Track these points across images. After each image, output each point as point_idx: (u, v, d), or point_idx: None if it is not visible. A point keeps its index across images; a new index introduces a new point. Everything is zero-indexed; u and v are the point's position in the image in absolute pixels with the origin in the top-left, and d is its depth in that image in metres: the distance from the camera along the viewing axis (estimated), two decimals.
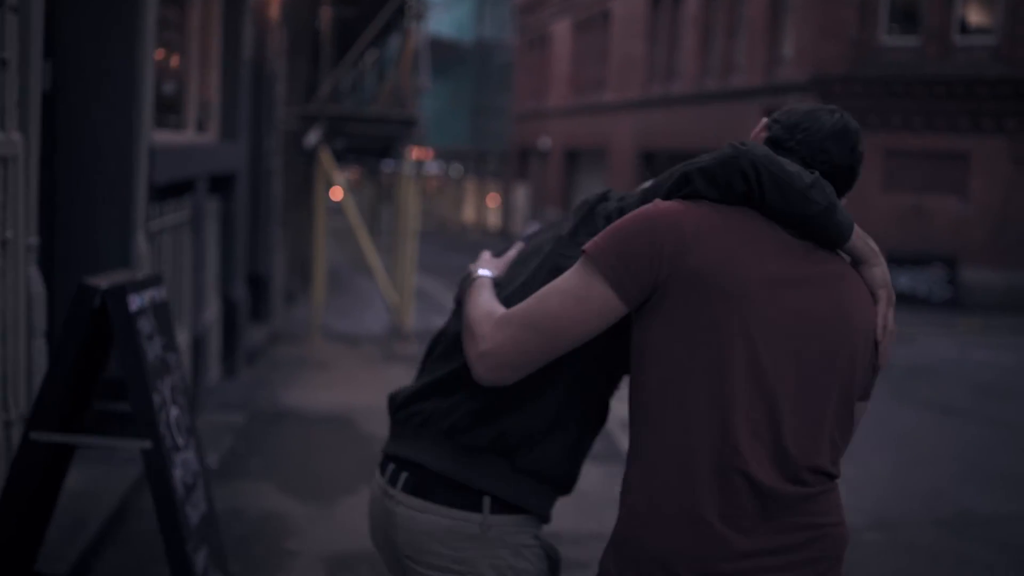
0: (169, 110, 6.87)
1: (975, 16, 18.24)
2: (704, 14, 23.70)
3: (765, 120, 1.91)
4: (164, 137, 6.03)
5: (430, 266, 18.85)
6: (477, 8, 41.56)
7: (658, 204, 1.71)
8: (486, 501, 1.89)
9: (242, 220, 8.37)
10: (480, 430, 1.90)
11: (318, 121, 10.11)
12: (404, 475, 1.96)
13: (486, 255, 2.09)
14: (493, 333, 1.73)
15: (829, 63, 18.45)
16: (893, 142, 18.12)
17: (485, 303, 1.83)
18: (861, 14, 18.22)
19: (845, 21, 18.27)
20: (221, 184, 7.94)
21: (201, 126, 7.67)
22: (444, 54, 39.45)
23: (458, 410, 1.92)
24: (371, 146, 13.70)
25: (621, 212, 1.84)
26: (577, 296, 1.68)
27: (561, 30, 33.01)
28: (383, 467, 2.04)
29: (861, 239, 1.76)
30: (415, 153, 10.76)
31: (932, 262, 17.70)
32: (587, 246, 1.70)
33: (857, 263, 1.78)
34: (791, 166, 1.71)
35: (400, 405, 2.05)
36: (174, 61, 6.85)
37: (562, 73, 32.70)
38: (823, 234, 1.72)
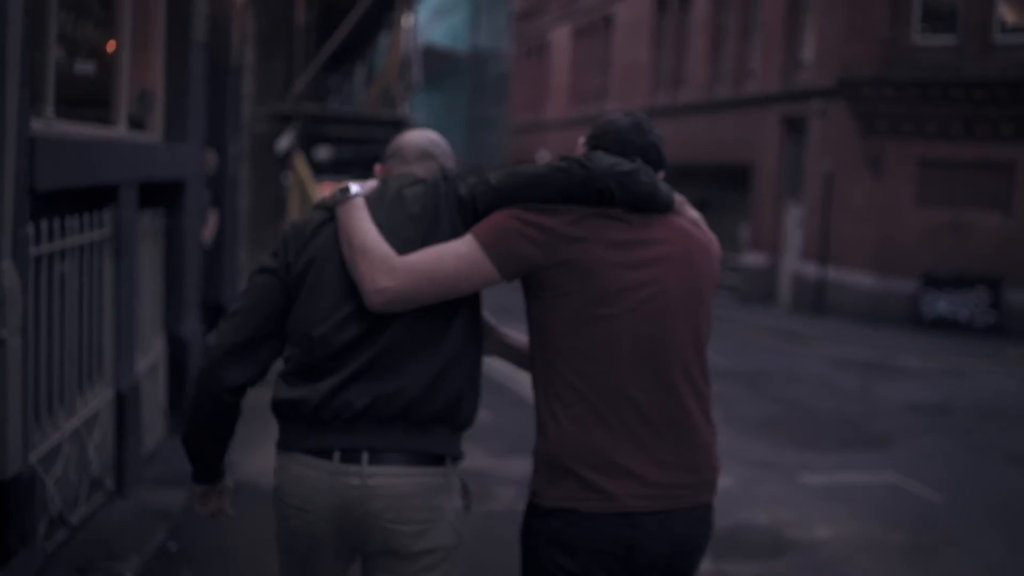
0: (89, 101, 5.33)
1: (1018, 12, 16.78)
2: (714, 17, 22.27)
3: (581, 140, 2.34)
4: (69, 130, 4.49)
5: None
6: (472, 17, 40.20)
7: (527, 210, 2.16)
8: (448, 457, 2.22)
9: (193, 238, 6.81)
10: (423, 408, 2.15)
11: (292, 122, 8.57)
12: (364, 454, 2.14)
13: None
14: (395, 274, 2.08)
15: (857, 65, 16.98)
16: (928, 151, 16.64)
17: (375, 234, 2.14)
18: (892, 11, 16.74)
19: (874, 19, 16.80)
20: (164, 194, 6.38)
21: (139, 123, 6.13)
22: (438, 64, 38.07)
23: (400, 397, 2.13)
24: (359, 157, 12.17)
25: (473, 198, 2.21)
26: (470, 262, 2.11)
27: (560, 37, 31.60)
28: (324, 455, 2.15)
29: (679, 202, 2.30)
30: None
31: (973, 284, 16.18)
32: (476, 231, 2.14)
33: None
34: (619, 164, 2.17)
35: (321, 402, 2.14)
36: (95, 37, 5.31)
37: (561, 83, 31.27)
38: (662, 205, 2.23)
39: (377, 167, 2.38)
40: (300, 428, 2.18)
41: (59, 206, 4.48)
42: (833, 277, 17.81)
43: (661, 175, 2.28)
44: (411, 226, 2.15)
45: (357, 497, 2.13)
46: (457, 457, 2.23)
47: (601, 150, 2.22)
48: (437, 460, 2.17)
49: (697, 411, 2.16)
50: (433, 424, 2.16)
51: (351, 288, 2.13)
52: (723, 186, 22.59)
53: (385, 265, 2.07)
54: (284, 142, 8.54)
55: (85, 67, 5.13)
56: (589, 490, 2.06)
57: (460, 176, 2.25)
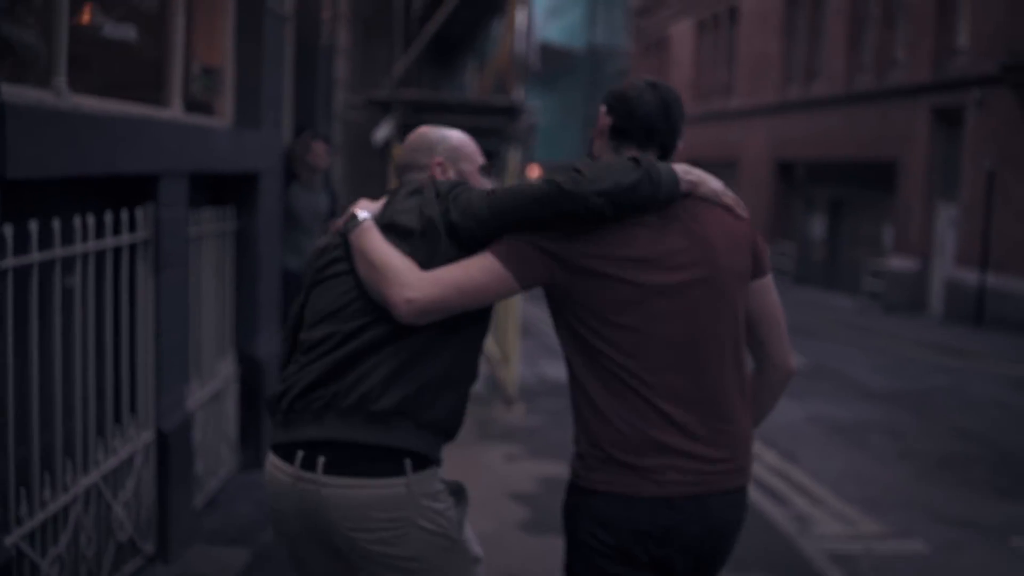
0: (134, 76, 4.35)
1: None
2: (853, 4, 20.53)
3: (603, 107, 2.24)
4: (93, 106, 3.49)
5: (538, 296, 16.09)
6: (588, 14, 39.04)
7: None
8: (407, 463, 2.12)
9: (271, 243, 5.82)
10: (387, 396, 2.11)
11: (391, 110, 7.53)
12: (321, 459, 2.11)
13: (362, 201, 2.33)
14: (424, 286, 2.06)
15: (1023, 48, 15.12)
16: None
17: (392, 251, 2.13)
18: None
19: None
20: (235, 190, 5.40)
21: (203, 106, 5.16)
22: (553, 63, 37.03)
23: (364, 383, 2.12)
24: None
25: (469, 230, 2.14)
26: (494, 275, 2.09)
27: (681, 31, 30.14)
28: (287, 456, 2.16)
29: (690, 183, 2.12)
30: (519, 169, 8.21)
31: None
32: (494, 249, 2.11)
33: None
34: (619, 175, 2.04)
35: (297, 396, 2.16)
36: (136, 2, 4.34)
37: (683, 78, 29.78)
38: (666, 201, 2.09)
39: (437, 159, 2.40)
40: (275, 423, 2.23)
41: (80, 201, 3.49)
42: (994, 285, 15.94)
43: (680, 148, 2.24)
44: (405, 245, 2.16)
45: (315, 505, 2.14)
46: (424, 458, 2.16)
47: (624, 135, 2.19)
48: (397, 469, 2.12)
49: (734, 399, 2.16)
50: (394, 417, 2.12)
51: (337, 298, 2.20)
52: (863, 184, 20.82)
53: (411, 276, 2.07)
54: (382, 132, 7.52)
55: (121, 32, 4.15)
56: (629, 474, 2.08)
57: (450, 193, 2.18)
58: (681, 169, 2.11)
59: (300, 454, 2.12)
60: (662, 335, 2.06)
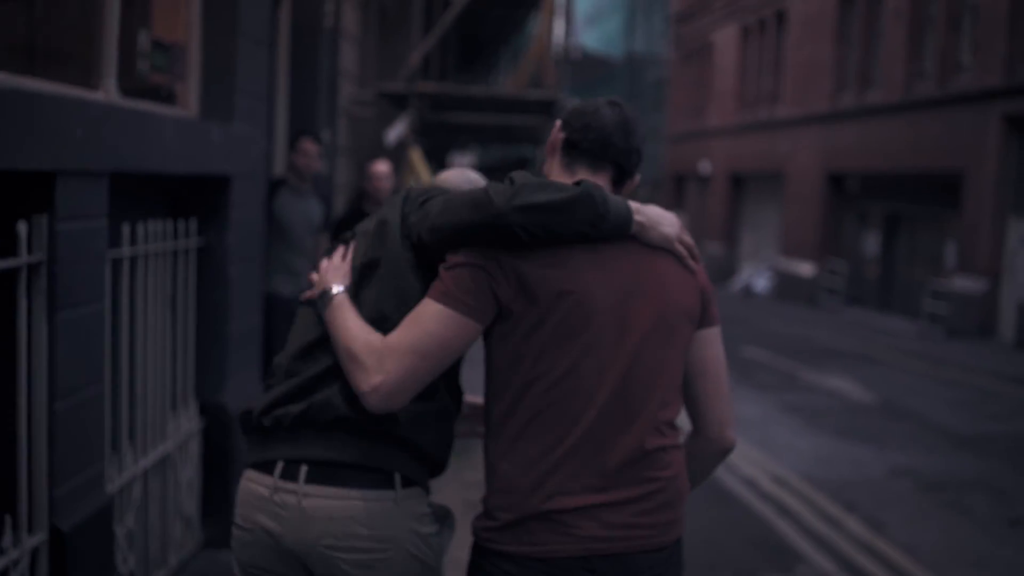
0: (51, 52, 3.26)
1: None
2: (912, 6, 19.19)
3: (559, 122, 2.12)
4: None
5: None
6: (627, 21, 37.87)
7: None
8: (397, 477, 1.98)
9: (247, 263, 4.69)
10: (365, 416, 1.95)
11: (407, 103, 6.39)
12: (303, 468, 1.96)
13: (329, 263, 2.14)
14: (383, 364, 1.88)
15: None
16: None
17: (360, 330, 1.96)
18: None
19: None
20: (200, 198, 4.29)
21: (163, 93, 4.06)
22: (591, 72, 35.90)
23: (335, 399, 1.97)
24: (507, 160, 9.97)
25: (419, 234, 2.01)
26: (449, 320, 1.88)
27: (725, 38, 28.89)
28: (264, 469, 2.00)
29: (640, 224, 1.94)
30: None
31: None
32: (436, 293, 1.91)
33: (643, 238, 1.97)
34: (551, 192, 1.83)
35: (263, 411, 2.03)
36: None
37: (726, 87, 28.54)
38: (610, 234, 1.90)
39: None
40: (252, 443, 2.08)
41: None
42: None
43: (636, 181, 2.10)
44: (366, 249, 2.09)
45: (293, 520, 1.96)
46: (411, 482, 2.00)
47: (578, 148, 2.04)
48: (385, 482, 1.96)
49: (665, 451, 1.97)
50: (375, 438, 1.97)
51: (311, 323, 2.10)
52: (923, 198, 19.45)
53: (371, 358, 1.91)
54: (395, 132, 6.39)
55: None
56: (544, 532, 1.90)
57: (419, 197, 2.06)
58: (635, 207, 1.94)
59: (280, 465, 1.99)
60: (596, 374, 1.92)
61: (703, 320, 2.04)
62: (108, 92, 3.45)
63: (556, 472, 1.89)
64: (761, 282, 25.16)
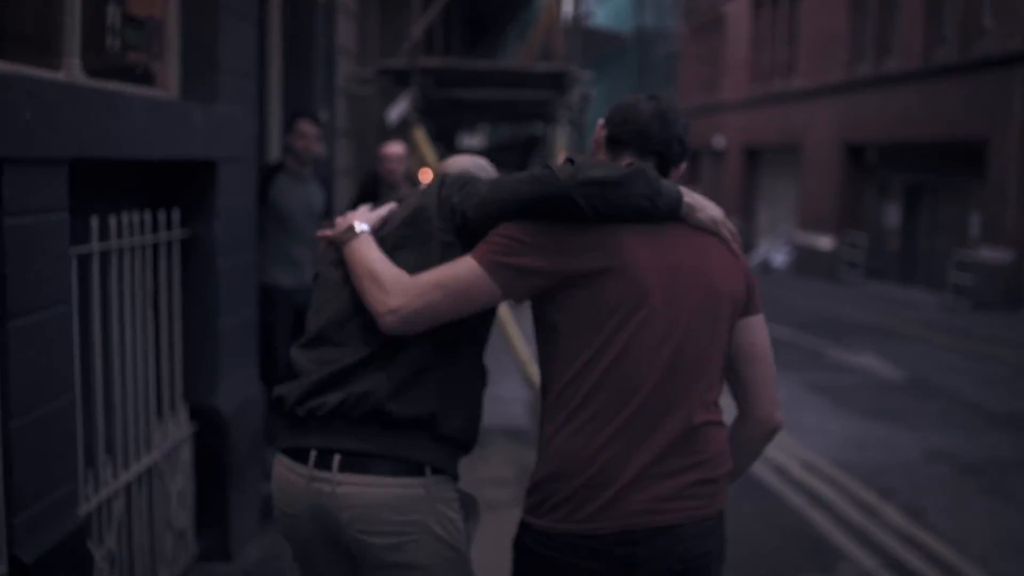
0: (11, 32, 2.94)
1: None
2: None
3: (600, 122, 2.18)
4: None
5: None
6: None
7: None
8: (428, 467, 2.04)
9: (239, 254, 4.37)
10: (401, 409, 2.01)
11: (409, 80, 6.04)
12: (337, 457, 2.02)
13: (362, 209, 2.23)
14: (406, 290, 1.98)
15: None
16: None
17: (384, 260, 2.05)
18: None
19: None
20: (184, 186, 3.97)
21: (141, 74, 3.74)
22: (600, 47, 35.34)
23: (375, 394, 2.01)
24: (516, 140, 9.63)
25: (463, 212, 2.05)
26: (476, 279, 1.97)
27: (737, 9, 28.34)
28: (298, 457, 2.06)
29: (688, 206, 2.03)
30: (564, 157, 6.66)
31: None
32: (476, 253, 1.99)
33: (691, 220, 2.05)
34: (609, 169, 1.93)
35: (298, 400, 2.07)
36: None
37: (739, 59, 28.02)
38: (664, 212, 1.99)
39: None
40: (286, 427, 2.13)
41: None
42: None
43: (682, 168, 2.17)
44: (395, 231, 2.12)
45: (328, 505, 2.04)
46: (441, 470, 2.06)
47: (620, 142, 2.13)
48: (416, 470, 2.02)
49: (711, 426, 2.03)
50: (409, 429, 2.03)
51: (338, 298, 2.13)
52: (945, 168, 18.97)
53: (396, 285, 2.00)
54: (397, 110, 6.05)
55: None
56: (593, 508, 1.93)
57: (457, 182, 2.11)
58: (683, 190, 2.02)
59: (314, 453, 2.04)
60: (648, 349, 1.95)
61: (748, 307, 2.10)
62: (71, 72, 3.12)
63: (609, 447, 1.93)
64: (779, 257, 24.73)
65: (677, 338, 1.96)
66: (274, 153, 5.88)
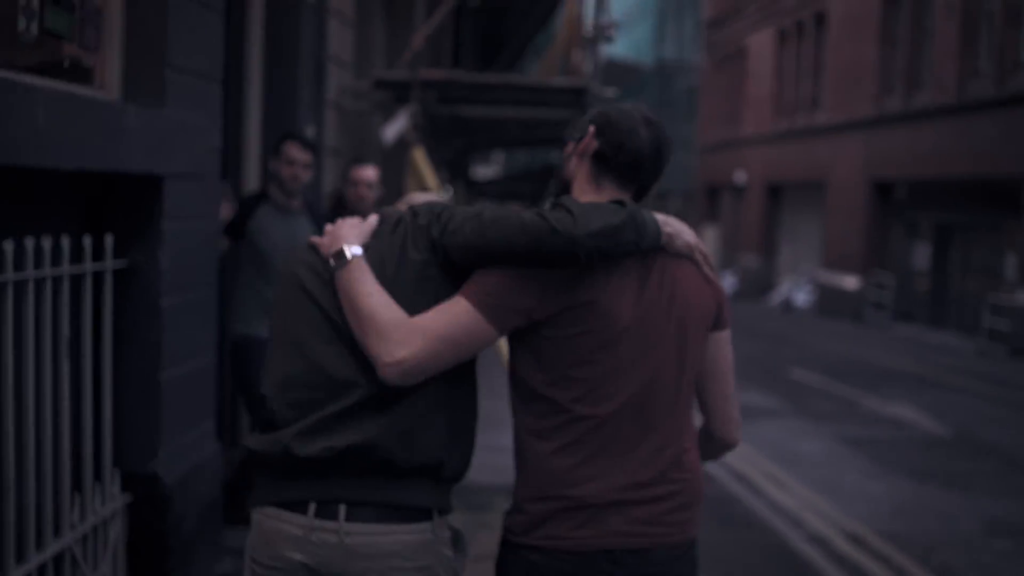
0: None
1: None
2: (965, 1, 17.97)
3: (592, 128, 2.07)
4: None
5: None
6: (656, 28, 36.80)
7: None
8: (435, 510, 1.99)
9: (190, 291, 3.64)
10: (410, 458, 1.94)
11: (408, 95, 5.35)
12: (343, 507, 1.93)
13: (350, 221, 2.10)
14: (411, 340, 1.89)
15: None
16: None
17: (384, 299, 1.94)
18: None
19: None
20: (124, 206, 3.27)
21: (79, 70, 3.05)
22: (620, 80, 34.82)
23: (381, 446, 1.92)
24: (524, 174, 8.90)
25: (444, 247, 1.98)
26: (475, 320, 1.92)
27: (760, 42, 27.78)
28: (291, 508, 1.95)
29: (668, 236, 2.02)
30: None
31: None
32: (468, 292, 1.94)
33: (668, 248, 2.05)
34: (607, 215, 1.89)
35: (286, 450, 1.94)
36: None
37: (762, 93, 27.40)
38: (647, 249, 1.98)
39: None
40: (270, 480, 1.99)
41: None
42: None
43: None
44: (378, 266, 2.01)
45: (334, 556, 1.94)
46: (445, 510, 2.03)
47: (608, 164, 2.04)
48: (424, 515, 1.97)
49: (686, 451, 2.07)
50: (414, 477, 1.96)
51: (314, 325, 1.99)
52: (979, 207, 18.20)
53: (398, 333, 1.90)
54: (394, 128, 5.34)
55: None
56: (573, 526, 1.97)
57: (431, 211, 2.02)
58: (660, 219, 2.01)
59: (313, 505, 1.93)
60: (623, 380, 1.97)
61: (716, 323, 2.10)
62: None
63: (587, 470, 1.95)
64: (801, 296, 23.95)
65: (653, 364, 1.99)
66: (251, 175, 5.16)
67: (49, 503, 2.87)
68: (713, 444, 2.20)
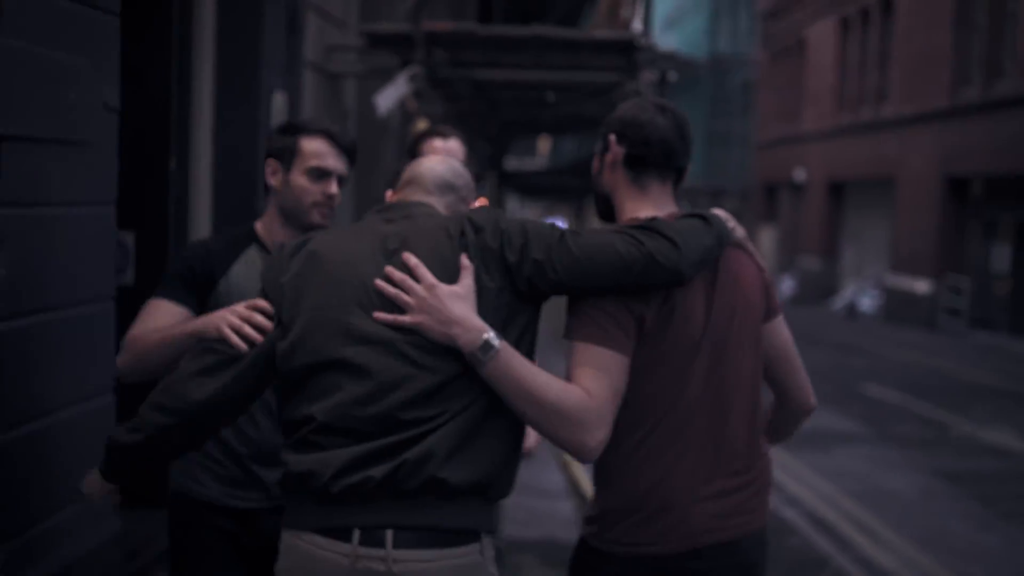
0: None
1: None
2: None
3: (611, 136, 2.09)
4: None
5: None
6: (710, 21, 35.43)
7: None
8: (483, 532, 1.96)
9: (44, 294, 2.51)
10: (459, 476, 1.88)
11: (412, 55, 4.20)
12: (390, 533, 1.87)
13: (449, 290, 1.88)
14: (604, 417, 1.88)
15: None
16: None
17: (556, 383, 1.88)
18: None
19: None
20: None
21: None
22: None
23: (424, 465, 1.85)
24: (571, 174, 7.83)
25: (529, 279, 1.94)
26: (623, 362, 1.95)
27: (821, 33, 26.36)
28: (341, 536, 1.87)
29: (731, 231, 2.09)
30: None
31: None
32: (584, 335, 1.94)
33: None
34: (703, 237, 1.95)
35: (334, 476, 1.86)
36: None
37: (823, 86, 25.97)
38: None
39: (388, 193, 2.13)
40: (310, 504, 1.90)
41: None
42: None
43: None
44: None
45: None
46: (491, 530, 1.97)
47: (644, 162, 2.07)
48: (473, 537, 1.91)
49: (757, 442, 2.12)
50: (465, 496, 1.89)
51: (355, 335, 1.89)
52: None
53: (590, 415, 1.87)
54: (391, 95, 4.16)
55: None
56: (657, 529, 2.00)
57: (495, 227, 1.90)
58: (719, 214, 2.06)
59: (358, 532, 1.85)
60: (696, 380, 2.01)
61: (769, 311, 2.13)
62: None
63: (671, 471, 1.98)
64: (867, 301, 22.49)
65: (727, 363, 2.02)
66: (201, 190, 3.90)
67: None
68: (788, 417, 2.24)
